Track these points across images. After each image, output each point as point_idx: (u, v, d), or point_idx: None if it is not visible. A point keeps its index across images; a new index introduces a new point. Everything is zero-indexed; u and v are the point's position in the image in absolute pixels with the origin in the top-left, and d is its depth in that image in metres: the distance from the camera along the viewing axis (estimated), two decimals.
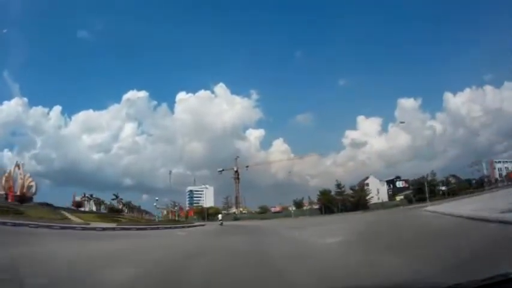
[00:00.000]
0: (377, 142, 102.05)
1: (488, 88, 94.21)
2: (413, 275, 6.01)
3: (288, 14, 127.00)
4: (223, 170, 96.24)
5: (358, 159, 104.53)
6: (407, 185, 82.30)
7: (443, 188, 74.72)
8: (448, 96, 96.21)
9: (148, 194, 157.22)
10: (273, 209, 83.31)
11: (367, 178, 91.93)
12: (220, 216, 51.58)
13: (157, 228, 31.55)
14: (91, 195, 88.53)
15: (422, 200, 58.56)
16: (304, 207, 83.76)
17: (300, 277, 7.14)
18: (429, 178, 71.24)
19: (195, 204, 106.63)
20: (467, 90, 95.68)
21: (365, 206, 79.71)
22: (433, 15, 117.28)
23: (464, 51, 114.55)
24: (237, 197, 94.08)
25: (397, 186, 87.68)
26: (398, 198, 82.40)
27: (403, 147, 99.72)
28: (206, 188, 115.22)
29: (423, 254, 8.42)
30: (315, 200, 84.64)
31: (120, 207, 79.83)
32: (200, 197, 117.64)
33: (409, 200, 70.63)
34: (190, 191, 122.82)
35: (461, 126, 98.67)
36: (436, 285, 3.68)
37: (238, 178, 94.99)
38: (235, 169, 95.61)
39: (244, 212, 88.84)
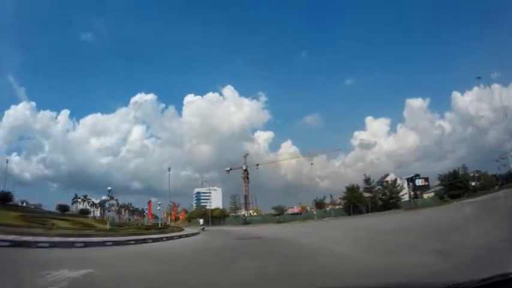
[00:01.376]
0: (386, 142, 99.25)
1: (496, 86, 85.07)
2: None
3: (294, 15, 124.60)
4: (231, 169, 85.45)
5: (367, 159, 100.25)
6: (426, 183, 75.39)
7: (474, 183, 64.08)
8: (456, 95, 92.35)
9: (157, 197, 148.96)
10: (290, 210, 68.66)
11: (386, 175, 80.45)
12: (201, 221, 46.13)
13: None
14: (85, 196, 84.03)
15: (455, 196, 52.22)
16: (327, 208, 69.53)
17: None
18: (461, 172, 62.60)
19: (200, 206, 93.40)
20: (475, 89, 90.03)
21: (396, 204, 65.47)
22: (441, 14, 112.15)
23: (472, 49, 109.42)
24: (246, 197, 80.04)
25: (417, 184, 79.37)
26: (425, 196, 71.98)
27: (412, 147, 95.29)
28: (214, 189, 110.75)
29: None
30: (336, 199, 73.60)
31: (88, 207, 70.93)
32: (208, 198, 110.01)
33: (440, 197, 60.80)
34: (198, 193, 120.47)
35: (469, 125, 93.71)
36: (436, 285, 3.54)
37: (247, 177, 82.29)
38: (244, 168, 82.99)
39: (255, 214, 75.10)
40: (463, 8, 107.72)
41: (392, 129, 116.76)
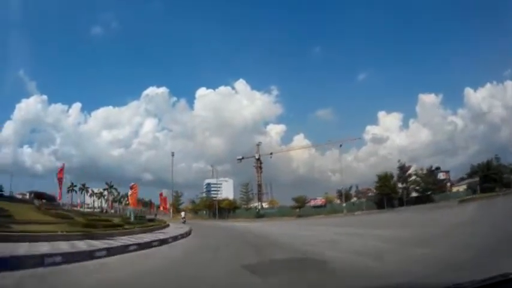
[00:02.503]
0: (398, 137, 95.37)
1: (509, 83, 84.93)
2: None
3: (307, 9, 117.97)
4: (243, 157, 75.25)
5: (380, 154, 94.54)
6: (448, 177, 67.04)
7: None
8: (468, 91, 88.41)
9: (168, 189, 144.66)
10: (312, 202, 57.38)
11: (409, 167, 68.91)
12: (183, 213, 42.52)
13: None
14: (83, 185, 76.32)
15: (490, 189, 45.94)
16: (352, 200, 58.25)
17: None
18: (494, 163, 54.44)
19: (205, 197, 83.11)
20: (488, 85, 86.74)
21: (429, 197, 54.84)
22: (454, 10, 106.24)
23: (485, 46, 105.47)
24: (259, 186, 68.59)
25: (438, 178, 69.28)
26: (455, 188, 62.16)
27: (424, 142, 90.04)
28: (225, 181, 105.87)
29: None
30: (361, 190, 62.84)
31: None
32: (218, 190, 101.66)
33: (473, 190, 52.63)
34: (208, 184, 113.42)
35: (482, 121, 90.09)
36: (436, 285, 3.48)
37: (260, 167, 71.68)
38: (257, 156, 72.41)
39: (271, 206, 64.35)
40: (477, 5, 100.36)
41: (405, 124, 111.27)
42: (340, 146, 63.22)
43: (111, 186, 66.61)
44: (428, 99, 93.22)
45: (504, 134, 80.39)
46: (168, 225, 22.54)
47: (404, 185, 58.25)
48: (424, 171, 60.91)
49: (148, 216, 31.94)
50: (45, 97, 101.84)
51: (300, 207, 53.92)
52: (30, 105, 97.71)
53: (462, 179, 67.94)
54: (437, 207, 40.77)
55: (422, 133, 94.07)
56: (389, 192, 54.81)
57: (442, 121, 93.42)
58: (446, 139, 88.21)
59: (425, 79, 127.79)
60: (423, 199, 53.77)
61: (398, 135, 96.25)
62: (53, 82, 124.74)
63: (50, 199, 35.36)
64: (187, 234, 16.21)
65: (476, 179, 55.69)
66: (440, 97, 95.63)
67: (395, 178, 57.25)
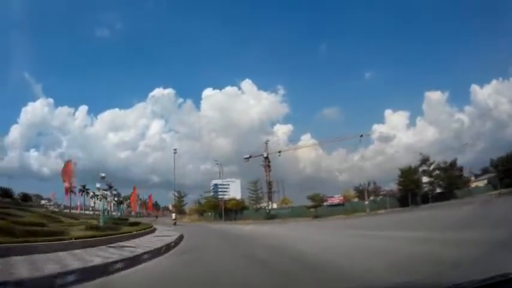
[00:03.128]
0: (405, 136, 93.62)
1: None
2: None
3: (313, 8, 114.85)
4: (250, 156, 70.08)
5: (387, 153, 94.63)
6: (461, 173, 60.57)
7: None
8: (475, 88, 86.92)
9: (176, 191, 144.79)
10: (329, 200, 51.19)
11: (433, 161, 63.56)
12: (173, 215, 43.52)
13: None
14: (83, 186, 73.56)
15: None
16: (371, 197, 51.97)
17: None
18: None
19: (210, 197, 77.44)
20: (494, 82, 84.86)
21: (452, 193, 48.59)
22: (458, 7, 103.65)
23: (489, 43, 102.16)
24: (269, 183, 62.60)
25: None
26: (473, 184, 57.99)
27: (431, 141, 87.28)
28: (233, 181, 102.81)
29: None
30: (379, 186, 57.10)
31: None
32: (226, 190, 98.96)
33: (494, 186, 48.35)
34: (215, 184, 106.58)
35: (489, 119, 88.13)
36: (436, 285, 3.36)
37: (269, 166, 66.20)
38: (265, 155, 67.05)
39: (284, 205, 57.97)
40: (481, 3, 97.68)
41: (412, 123, 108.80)
42: (361, 136, 57.53)
43: (110, 187, 61.68)
44: (434, 96, 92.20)
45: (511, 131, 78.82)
46: (152, 230, 16.94)
47: (429, 179, 52.40)
48: (448, 164, 54.88)
49: (149, 219, 27.06)
50: (51, 100, 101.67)
51: (317, 207, 47.83)
52: (36, 109, 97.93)
53: (476, 176, 63.86)
54: (469, 202, 34.72)
55: (429, 131, 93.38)
56: (414, 188, 48.83)
57: (449, 118, 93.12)
58: (453, 136, 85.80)
59: (431, 77, 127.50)
60: (446, 195, 47.80)
61: (405, 134, 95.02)
62: (59, 85, 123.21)
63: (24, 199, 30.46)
64: (167, 248, 10.42)
65: (493, 174, 51.81)
66: (446, 94, 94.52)
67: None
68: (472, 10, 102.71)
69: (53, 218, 18.31)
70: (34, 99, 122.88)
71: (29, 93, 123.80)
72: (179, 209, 67.70)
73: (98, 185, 18.89)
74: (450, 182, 50.38)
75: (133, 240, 12.25)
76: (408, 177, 48.87)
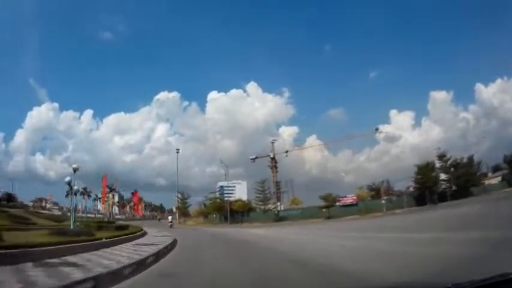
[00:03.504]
0: (411, 136, 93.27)
1: None
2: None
3: (317, 9, 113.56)
4: (256, 157, 66.82)
5: (392, 153, 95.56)
6: (487, 168, 58.77)
7: None
8: (479, 87, 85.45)
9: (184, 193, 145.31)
10: (342, 200, 47.36)
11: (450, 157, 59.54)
12: (170, 218, 45.04)
13: None
14: (84, 189, 67.56)
15: None
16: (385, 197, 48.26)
17: None
18: None
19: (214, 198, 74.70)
20: (499, 81, 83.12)
21: (468, 190, 44.35)
22: (462, 6, 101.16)
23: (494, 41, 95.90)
24: (277, 183, 58.99)
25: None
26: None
27: (436, 140, 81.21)
28: (239, 183, 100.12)
29: None
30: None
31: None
32: (232, 192, 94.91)
33: (508, 182, 45.05)
34: (221, 186, 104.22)
35: (494, 117, 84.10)
36: (436, 285, 3.33)
37: (275, 167, 62.97)
38: (271, 155, 63.79)
39: (293, 207, 53.67)
40: (485, 1, 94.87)
41: (417, 123, 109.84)
42: (376, 129, 54.01)
43: (111, 189, 59.24)
44: (439, 96, 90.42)
45: None
46: (138, 236, 14.03)
47: (446, 176, 48.64)
48: (465, 160, 51.01)
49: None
50: (56, 105, 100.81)
51: (330, 207, 44.22)
52: (41, 113, 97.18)
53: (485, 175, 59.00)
54: (489, 200, 31.55)
55: (434, 130, 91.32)
56: (432, 185, 45.19)
57: (454, 118, 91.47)
58: (459, 136, 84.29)
59: (435, 77, 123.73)
60: (463, 193, 43.97)
61: (410, 134, 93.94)
62: (64, 90, 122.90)
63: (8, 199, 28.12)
64: (139, 266, 7.32)
65: (506, 170, 48.77)
66: (451, 94, 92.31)
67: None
68: (476, 9, 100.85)
69: (24, 219, 15.64)
70: (39, 104, 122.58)
71: (34, 97, 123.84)
72: (183, 211, 64.96)
73: (67, 179, 15.95)
74: (467, 179, 46.23)
75: (100, 250, 9.31)
76: (426, 174, 45.25)
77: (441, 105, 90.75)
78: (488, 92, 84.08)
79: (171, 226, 37.96)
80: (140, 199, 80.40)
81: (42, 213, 35.93)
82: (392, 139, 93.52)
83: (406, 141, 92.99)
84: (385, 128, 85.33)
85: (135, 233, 14.89)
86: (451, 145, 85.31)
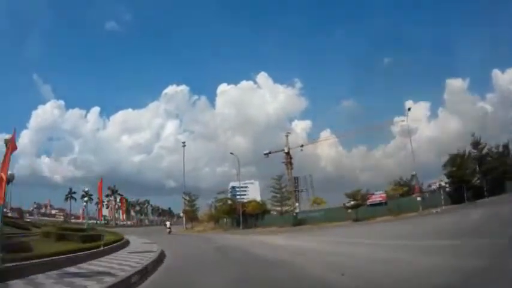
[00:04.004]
0: (427, 128, 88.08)
1: None
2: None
3: None
4: (270, 152, 61.44)
5: (408, 148, 74.65)
6: None
7: None
8: (496, 73, 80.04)
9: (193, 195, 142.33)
10: (371, 198, 40.67)
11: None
12: (168, 223, 42.33)
13: None
14: (86, 192, 66.11)
15: None
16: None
17: None
18: None
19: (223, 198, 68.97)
20: None
21: (502, 184, 37.93)
22: None
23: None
24: (296, 179, 54.87)
25: None
26: None
27: (454, 132, 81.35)
28: (251, 183, 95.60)
29: None
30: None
31: None
32: (244, 192, 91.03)
33: None
34: (233, 187, 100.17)
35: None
36: (436, 285, 3.65)
37: (290, 162, 57.79)
38: (286, 150, 58.38)
39: (315, 207, 47.29)
40: None
41: (433, 114, 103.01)
42: (409, 109, 47.94)
43: (114, 192, 54.87)
44: (456, 84, 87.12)
45: None
46: (107, 251, 9.55)
47: (483, 167, 42.61)
48: (500, 150, 44.84)
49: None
50: (62, 102, 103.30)
51: (358, 207, 38.41)
52: (47, 112, 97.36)
53: None
54: None
55: (451, 122, 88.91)
56: (470, 179, 39.48)
57: (472, 107, 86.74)
58: (477, 126, 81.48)
59: (451, 64, 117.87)
60: (498, 188, 37.63)
61: (427, 126, 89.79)
62: (69, 87, 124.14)
63: None
64: None
65: None
66: (467, 82, 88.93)
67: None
68: None
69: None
70: (44, 102, 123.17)
71: (39, 95, 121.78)
72: (190, 216, 59.65)
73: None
74: (504, 170, 40.01)
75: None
76: (462, 166, 39.54)
77: (458, 94, 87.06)
78: (505, 78, 77.89)
79: (169, 233, 37.27)
80: (126, 201, 72.53)
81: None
82: (408, 132, 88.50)
83: (422, 135, 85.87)
84: (400, 120, 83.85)
85: (121, 241, 10.39)
86: (468, 139, 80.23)
